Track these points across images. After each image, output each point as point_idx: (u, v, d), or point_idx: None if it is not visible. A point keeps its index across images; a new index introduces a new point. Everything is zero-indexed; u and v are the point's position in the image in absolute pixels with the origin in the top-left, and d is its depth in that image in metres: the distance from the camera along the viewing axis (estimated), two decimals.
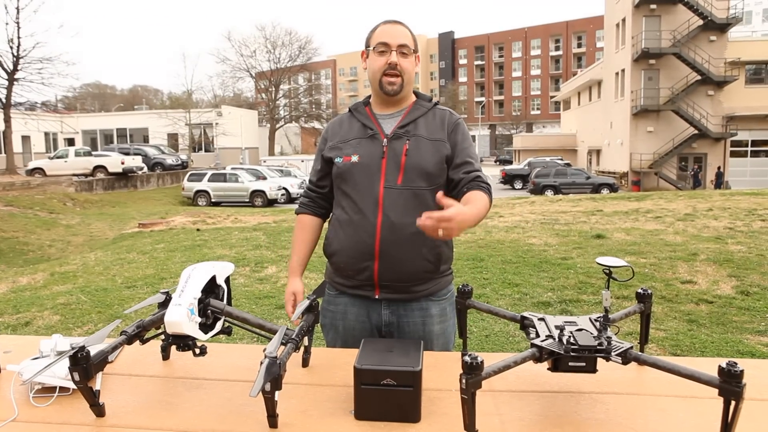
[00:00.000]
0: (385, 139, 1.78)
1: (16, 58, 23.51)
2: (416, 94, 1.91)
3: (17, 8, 23.32)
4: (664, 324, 4.54)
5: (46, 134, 36.97)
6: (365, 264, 1.75)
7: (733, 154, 29.47)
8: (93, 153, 27.47)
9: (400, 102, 1.85)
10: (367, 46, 1.84)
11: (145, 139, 39.28)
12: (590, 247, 7.45)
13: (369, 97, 1.93)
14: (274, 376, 1.12)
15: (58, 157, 25.98)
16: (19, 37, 23.39)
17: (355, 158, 1.78)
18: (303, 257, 1.97)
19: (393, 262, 1.73)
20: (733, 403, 1.03)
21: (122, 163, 25.49)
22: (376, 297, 1.79)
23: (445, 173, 1.80)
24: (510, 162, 50.34)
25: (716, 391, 1.05)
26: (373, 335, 1.82)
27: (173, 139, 39.27)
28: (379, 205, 1.73)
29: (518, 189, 30.72)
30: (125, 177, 25.72)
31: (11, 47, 23.34)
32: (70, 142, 39.15)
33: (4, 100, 23.85)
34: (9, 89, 23.73)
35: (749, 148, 29.98)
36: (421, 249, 1.74)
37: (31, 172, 25.10)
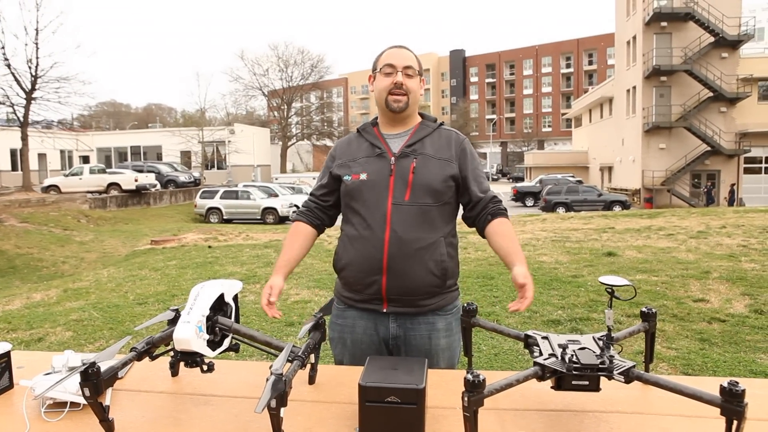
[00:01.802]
0: (392, 158, 1.83)
1: (34, 78, 23.94)
2: (421, 115, 1.97)
3: (36, 29, 23.84)
4: (676, 343, 4.50)
5: (62, 152, 37.51)
6: (373, 278, 1.79)
7: (747, 171, 29.25)
8: (107, 170, 27.83)
9: (406, 122, 1.91)
10: (374, 69, 1.92)
11: (159, 157, 39.72)
12: (601, 264, 7.41)
13: (376, 118, 1.99)
14: (280, 392, 1.14)
15: (72, 175, 26.33)
16: (37, 57, 23.85)
17: (363, 176, 1.83)
18: (291, 259, 1.91)
19: (400, 276, 1.77)
20: (735, 422, 1.03)
21: (135, 181, 25.78)
22: (384, 311, 1.82)
23: (452, 191, 1.86)
24: (521, 179, 50.29)
25: (719, 410, 1.05)
26: (380, 348, 1.84)
27: (186, 156, 39.70)
28: (387, 221, 1.78)
29: (529, 206, 30.64)
30: (138, 194, 25.99)
31: (30, 67, 23.80)
32: (85, 159, 39.69)
33: (21, 119, 24.26)
34: (27, 108, 24.15)
35: (763, 165, 29.75)
36: (427, 263, 1.78)
37: (47, 189, 25.43)
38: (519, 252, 1.73)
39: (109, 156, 41.53)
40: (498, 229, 1.80)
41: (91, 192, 24.50)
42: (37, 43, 23.78)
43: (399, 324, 1.83)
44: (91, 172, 26.46)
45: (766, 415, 1.34)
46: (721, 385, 1.04)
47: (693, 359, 4.14)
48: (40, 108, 24.99)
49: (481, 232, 1.86)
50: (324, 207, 1.98)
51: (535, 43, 74.23)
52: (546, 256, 8.13)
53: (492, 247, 1.81)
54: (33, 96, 24.15)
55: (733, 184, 27.50)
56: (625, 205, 25.45)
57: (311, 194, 2.01)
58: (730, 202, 26.41)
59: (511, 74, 76.12)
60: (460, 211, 1.94)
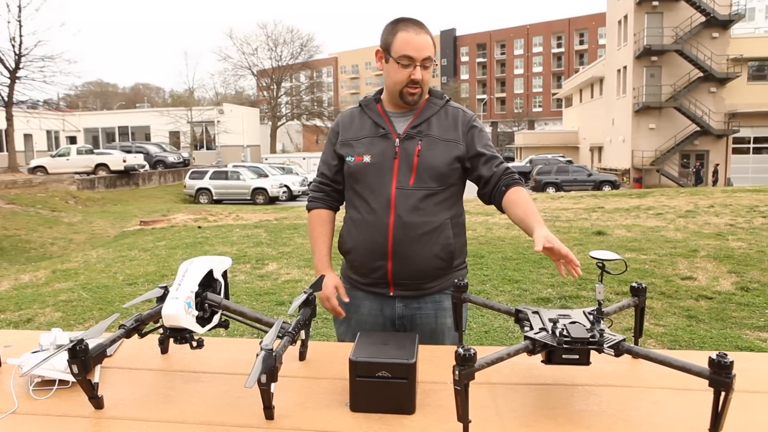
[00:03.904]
0: (397, 139, 1.77)
1: (18, 56, 23.55)
2: (429, 91, 1.87)
3: (19, 6, 23.38)
4: (664, 320, 4.55)
5: (48, 132, 37.05)
6: (379, 263, 1.76)
7: (735, 151, 29.43)
8: (95, 151, 27.53)
9: None
10: (386, 49, 1.76)
11: (147, 137, 39.36)
12: (591, 243, 7.46)
13: (379, 92, 1.89)
14: (270, 368, 1.13)
15: (60, 155, 26.04)
16: (21, 35, 23.45)
17: (367, 158, 1.78)
18: (329, 251, 1.92)
19: (406, 261, 1.74)
20: (723, 393, 1.04)
21: (124, 161, 25.55)
22: (391, 294, 1.81)
23: (458, 173, 1.80)
24: (512, 159, 50.35)
25: (707, 382, 1.06)
26: (385, 328, 1.83)
27: (175, 136, 39.35)
28: (392, 206, 1.74)
29: None
30: (127, 175, 25.77)
31: (13, 45, 23.41)
32: (72, 140, 39.20)
33: (6, 99, 23.89)
34: (11, 87, 23.77)
35: (751, 145, 29.95)
36: (433, 247, 1.75)
37: (33, 170, 25.13)
38: (536, 216, 1.62)
39: (97, 136, 41.07)
40: (512, 198, 1.72)
41: (79, 173, 24.24)
42: (20, 21, 23.36)
43: (405, 304, 1.81)
44: (79, 152, 26.18)
45: (752, 386, 1.36)
46: (710, 357, 1.05)
47: (680, 335, 4.19)
48: (25, 87, 24.76)
49: (499, 207, 1.78)
50: (339, 190, 1.92)
51: (527, 23, 73.83)
52: None
53: (512, 220, 1.72)
54: (17, 75, 23.78)
55: (716, 164, 27.68)
56: (614, 185, 25.58)
57: (322, 174, 1.93)
58: (714, 182, 26.64)
59: (502, 54, 75.74)
60: (470, 189, 1.86)
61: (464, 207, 1.92)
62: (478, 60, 77.64)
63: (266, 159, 34.38)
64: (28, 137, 34.52)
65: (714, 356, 1.04)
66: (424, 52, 1.72)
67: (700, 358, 1.16)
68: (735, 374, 1.03)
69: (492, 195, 1.79)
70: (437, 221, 1.76)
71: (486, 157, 1.79)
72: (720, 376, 1.03)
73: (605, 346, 1.20)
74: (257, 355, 1.15)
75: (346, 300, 1.84)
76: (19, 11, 23.33)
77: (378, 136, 1.79)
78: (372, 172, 1.77)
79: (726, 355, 1.04)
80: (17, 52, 23.49)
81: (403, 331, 1.83)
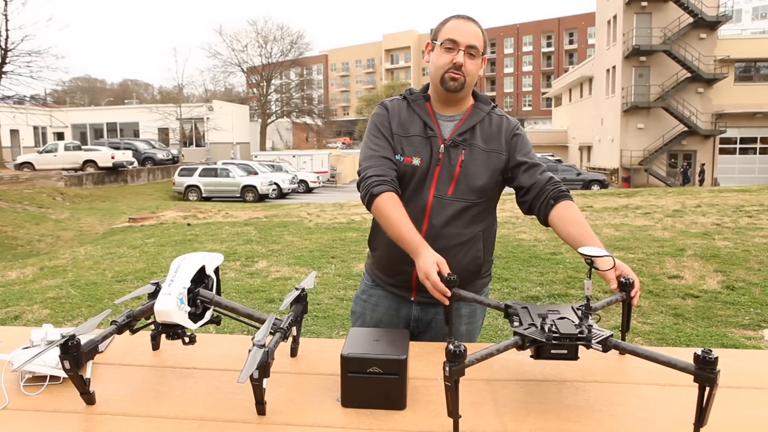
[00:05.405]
0: (442, 145, 1.73)
1: (5, 51, 23.28)
2: (475, 95, 1.84)
3: (5, 0, 23.10)
4: (651, 318, 4.60)
5: (35, 128, 36.64)
6: (404, 268, 1.72)
7: (722, 152, 29.74)
8: (83, 147, 27.32)
9: (459, 104, 1.79)
10: (434, 38, 1.75)
11: (136, 134, 39.06)
12: None
13: (425, 89, 1.84)
14: (262, 363, 1.14)
15: (47, 152, 25.81)
16: (7, 30, 23.18)
17: (416, 161, 1.73)
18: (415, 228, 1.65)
19: None
20: (707, 389, 1.06)
21: (112, 158, 25.37)
22: (412, 299, 1.81)
23: (498, 185, 1.78)
24: None
25: (692, 378, 1.08)
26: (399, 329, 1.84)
27: (164, 133, 39.09)
28: (426, 214, 1.72)
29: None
30: (115, 171, 25.59)
31: None
32: (60, 136, 38.77)
33: None
34: None
35: (738, 146, 30.24)
36: (462, 260, 1.71)
37: (20, 166, 24.90)
38: (595, 239, 1.55)
39: (85, 133, 40.67)
40: (564, 214, 1.64)
41: (67, 169, 24.03)
42: (6, 15, 23.09)
43: (423, 308, 1.81)
44: (66, 149, 25.98)
45: (736, 382, 1.39)
46: (695, 353, 1.07)
47: (667, 333, 4.24)
48: (12, 83, 24.39)
49: (544, 220, 1.69)
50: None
51: (516, 22, 74.03)
52: (525, 234, 8.21)
53: (561, 237, 1.64)
54: (3, 70, 23.49)
55: (703, 164, 27.96)
56: (603, 184, 25.76)
57: (386, 158, 1.73)
58: (701, 182, 26.91)
59: (492, 53, 75.83)
60: (505, 193, 1.80)
61: None
62: None
63: (256, 156, 34.26)
64: (14, 133, 34.12)
65: (699, 352, 1.07)
66: (468, 37, 1.69)
67: (685, 355, 1.18)
68: (719, 370, 1.05)
69: (535, 206, 1.71)
70: (470, 234, 1.74)
71: (527, 165, 1.75)
72: (705, 371, 1.06)
73: (593, 341, 1.22)
74: (249, 350, 1.16)
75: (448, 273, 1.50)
76: (5, 5, 23.07)
77: (426, 137, 1.74)
78: (415, 176, 1.73)
79: (711, 351, 1.06)
80: (3, 47, 23.22)
81: (417, 332, 1.82)
